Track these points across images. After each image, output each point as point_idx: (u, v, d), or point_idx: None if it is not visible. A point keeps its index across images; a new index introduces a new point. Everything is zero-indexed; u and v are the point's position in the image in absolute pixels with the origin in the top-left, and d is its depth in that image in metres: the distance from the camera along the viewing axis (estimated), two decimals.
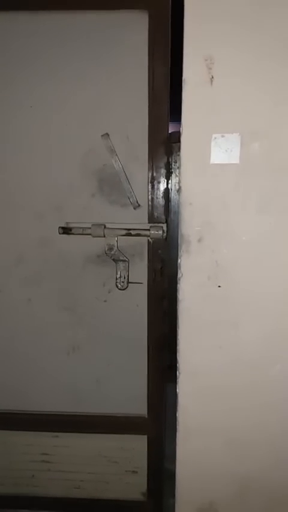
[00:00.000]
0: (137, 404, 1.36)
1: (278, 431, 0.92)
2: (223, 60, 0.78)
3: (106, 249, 1.21)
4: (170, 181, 1.26)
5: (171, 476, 1.10)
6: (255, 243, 0.84)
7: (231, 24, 0.77)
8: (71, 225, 1.22)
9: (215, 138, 0.82)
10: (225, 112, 0.81)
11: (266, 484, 0.96)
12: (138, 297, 1.28)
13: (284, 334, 0.87)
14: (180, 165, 0.86)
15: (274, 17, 0.75)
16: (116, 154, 1.17)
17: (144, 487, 1.44)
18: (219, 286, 0.87)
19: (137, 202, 1.22)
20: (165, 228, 1.21)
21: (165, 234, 1.21)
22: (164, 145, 1.18)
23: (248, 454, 0.95)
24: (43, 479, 1.46)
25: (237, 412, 0.93)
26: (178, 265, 0.89)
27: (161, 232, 1.18)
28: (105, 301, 1.30)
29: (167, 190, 1.23)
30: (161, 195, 1.22)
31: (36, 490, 1.47)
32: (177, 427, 0.99)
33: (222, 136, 0.82)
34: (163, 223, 1.22)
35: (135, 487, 1.44)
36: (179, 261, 0.88)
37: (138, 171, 1.21)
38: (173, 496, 1.11)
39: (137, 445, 1.40)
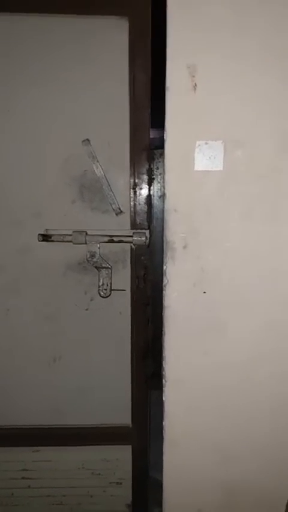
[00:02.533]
0: (120, 414, 1.33)
1: (266, 437, 0.93)
2: (206, 68, 0.79)
3: (88, 256, 1.19)
4: (152, 187, 1.26)
5: (156, 485, 1.08)
6: (239, 249, 0.85)
7: (214, 32, 0.78)
8: (50, 232, 1.19)
9: (199, 145, 0.82)
10: (209, 119, 0.82)
11: (254, 490, 0.96)
12: (122, 305, 1.26)
13: (270, 339, 0.88)
14: (163, 171, 0.86)
15: (258, 26, 0.77)
16: (97, 161, 1.16)
17: (129, 498, 1.41)
18: (204, 293, 0.87)
19: (119, 208, 1.20)
20: (148, 234, 1.20)
21: (148, 240, 1.20)
22: (146, 151, 1.18)
23: (236, 460, 0.95)
24: (23, 497, 1.40)
25: (225, 418, 0.93)
26: (163, 272, 0.88)
27: (143, 238, 1.17)
28: (87, 309, 1.27)
29: (149, 197, 1.22)
30: (143, 201, 1.21)
31: (15, 509, 1.40)
32: (164, 435, 0.98)
33: (206, 143, 0.82)
34: (146, 229, 1.21)
35: (120, 499, 1.41)
36: (164, 267, 0.88)
37: (119, 177, 1.20)
38: (159, 505, 1.09)
39: (121, 456, 1.37)
